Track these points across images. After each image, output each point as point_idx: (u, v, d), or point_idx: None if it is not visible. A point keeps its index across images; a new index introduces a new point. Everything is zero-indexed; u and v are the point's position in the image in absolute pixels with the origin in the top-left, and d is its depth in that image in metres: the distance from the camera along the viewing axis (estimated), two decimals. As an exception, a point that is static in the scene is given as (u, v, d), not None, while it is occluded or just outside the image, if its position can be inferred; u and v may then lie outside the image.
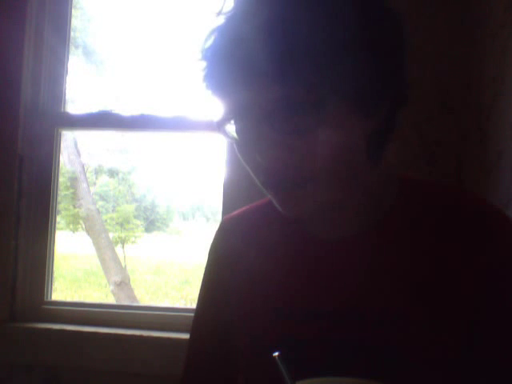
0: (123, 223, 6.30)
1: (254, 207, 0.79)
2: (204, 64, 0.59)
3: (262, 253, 0.72)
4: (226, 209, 1.38)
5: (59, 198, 1.89)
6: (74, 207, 5.43)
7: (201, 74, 0.60)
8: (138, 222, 6.81)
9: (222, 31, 0.57)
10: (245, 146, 0.61)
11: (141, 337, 1.33)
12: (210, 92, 0.61)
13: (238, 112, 0.59)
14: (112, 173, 6.92)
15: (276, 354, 0.55)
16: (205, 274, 0.81)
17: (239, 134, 0.61)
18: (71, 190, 5.24)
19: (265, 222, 0.75)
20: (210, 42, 0.58)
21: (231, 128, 0.62)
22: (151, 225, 8.43)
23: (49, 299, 1.48)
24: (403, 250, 0.65)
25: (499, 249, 0.62)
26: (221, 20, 0.58)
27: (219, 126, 0.63)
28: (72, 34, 1.62)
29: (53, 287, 1.51)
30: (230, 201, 1.38)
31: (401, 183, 0.69)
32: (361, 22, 0.56)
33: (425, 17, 1.27)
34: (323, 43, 0.54)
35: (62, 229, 5.81)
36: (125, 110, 1.51)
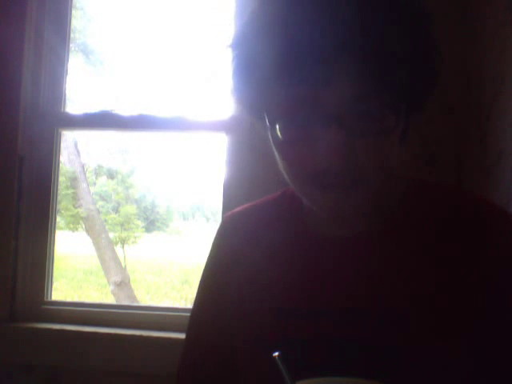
0: (123, 223, 6.30)
1: (257, 204, 0.79)
2: (247, 53, 0.56)
3: (264, 251, 0.72)
4: (225, 209, 1.38)
5: (59, 198, 1.89)
6: (74, 207, 5.43)
7: (240, 67, 0.57)
8: (138, 222, 6.81)
9: (269, 18, 0.54)
10: (301, 146, 0.58)
11: (141, 337, 1.33)
12: (252, 88, 0.58)
13: (299, 108, 0.56)
14: (112, 173, 6.91)
15: (276, 353, 0.55)
16: (205, 272, 0.81)
17: (294, 132, 0.58)
18: (71, 190, 5.24)
19: (267, 220, 0.75)
20: (252, 28, 0.55)
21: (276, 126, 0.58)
22: (151, 225, 8.42)
23: (49, 299, 1.48)
24: (405, 249, 0.65)
25: (500, 248, 0.62)
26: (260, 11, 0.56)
27: (272, 120, 0.58)
28: (72, 34, 1.62)
29: (53, 287, 1.51)
30: (229, 201, 1.38)
31: (403, 183, 0.69)
32: (427, 33, 0.58)
33: (425, 17, 1.27)
34: (405, 50, 0.53)
35: (61, 229, 5.81)
36: (125, 110, 1.51)
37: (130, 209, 6.66)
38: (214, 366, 0.80)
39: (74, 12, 1.58)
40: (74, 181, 5.14)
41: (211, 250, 0.81)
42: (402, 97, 0.55)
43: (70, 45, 1.56)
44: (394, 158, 0.61)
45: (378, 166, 0.58)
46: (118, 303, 4.07)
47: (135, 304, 3.73)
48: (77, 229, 5.95)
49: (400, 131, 0.60)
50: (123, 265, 5.50)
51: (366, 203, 0.61)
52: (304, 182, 0.61)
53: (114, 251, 5.35)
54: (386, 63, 0.52)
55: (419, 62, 0.55)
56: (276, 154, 0.62)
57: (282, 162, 0.62)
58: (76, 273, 6.92)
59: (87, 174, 5.83)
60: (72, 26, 1.55)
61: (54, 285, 1.53)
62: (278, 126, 0.58)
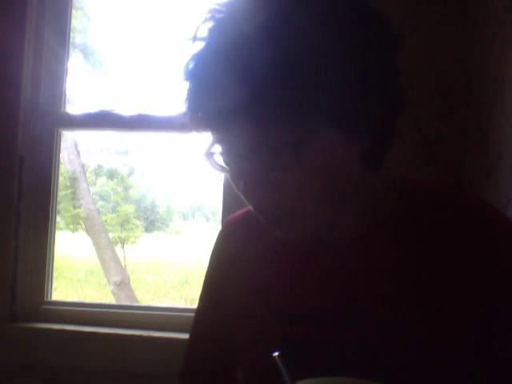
0: (123, 223, 6.30)
1: None
2: (187, 87, 0.58)
3: (264, 254, 0.72)
4: (225, 209, 1.38)
5: (59, 198, 1.89)
6: (74, 207, 5.43)
7: (184, 96, 0.59)
8: (138, 222, 6.82)
9: (197, 60, 0.56)
10: (232, 178, 0.62)
11: (141, 337, 1.33)
12: (192, 118, 0.60)
13: (221, 145, 0.59)
14: (112, 173, 6.92)
15: (276, 353, 0.55)
16: (207, 275, 0.81)
17: (226, 165, 0.62)
18: (71, 190, 5.24)
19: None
20: (189, 67, 0.57)
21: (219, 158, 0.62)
22: (151, 225, 8.43)
23: (49, 299, 1.48)
24: (404, 251, 0.65)
25: (499, 250, 0.62)
26: (197, 46, 0.57)
27: (207, 155, 0.62)
28: (72, 34, 1.62)
29: (53, 287, 1.51)
30: (229, 201, 1.37)
31: (401, 185, 0.69)
32: (345, 40, 0.53)
33: (425, 17, 1.27)
34: (302, 72, 0.51)
35: (62, 229, 5.81)
36: (125, 110, 1.51)
37: (129, 208, 6.67)
38: (217, 367, 0.80)
39: (73, 12, 1.58)
40: (73, 181, 5.14)
41: (213, 254, 0.81)
42: (306, 131, 0.54)
43: (70, 45, 1.56)
44: (345, 176, 0.59)
45: (310, 195, 0.58)
46: (118, 303, 4.07)
47: (135, 304, 3.74)
48: (77, 229, 5.96)
49: (348, 153, 0.58)
50: (123, 265, 5.51)
51: (322, 221, 0.62)
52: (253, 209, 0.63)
53: (113, 251, 5.35)
54: (283, 96, 0.51)
55: (323, 82, 0.52)
56: None
57: None
58: (76, 273, 6.93)
59: (87, 174, 5.83)
60: (72, 26, 1.55)
61: (54, 285, 1.53)
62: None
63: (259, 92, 0.51)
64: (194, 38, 0.57)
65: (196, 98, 0.57)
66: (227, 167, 0.62)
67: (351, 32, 0.54)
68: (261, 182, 0.57)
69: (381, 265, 0.65)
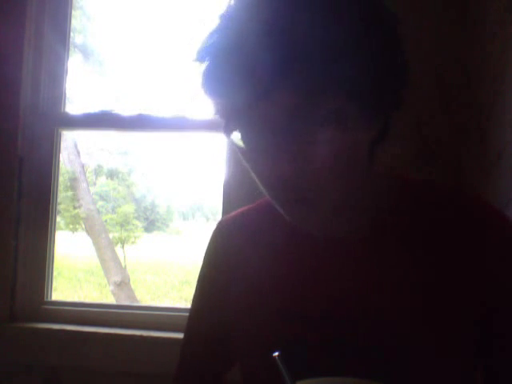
0: (123, 223, 6.30)
1: (252, 208, 0.79)
2: (207, 64, 0.56)
3: (261, 254, 0.72)
4: (225, 209, 1.38)
5: (59, 199, 1.89)
6: (74, 207, 5.43)
7: (202, 76, 0.57)
8: (138, 223, 6.82)
9: (224, 32, 0.55)
10: (253, 154, 0.59)
11: (141, 337, 1.33)
12: (212, 95, 0.58)
13: (245, 119, 0.57)
14: (112, 173, 6.92)
15: (276, 353, 0.55)
16: (201, 275, 0.81)
17: (247, 141, 0.59)
18: (71, 191, 5.24)
19: (263, 222, 0.74)
20: (213, 40, 0.56)
21: (237, 135, 0.59)
22: (151, 225, 8.43)
23: (49, 299, 1.48)
24: (403, 250, 0.65)
25: (498, 249, 0.62)
26: (222, 20, 0.57)
27: (226, 132, 0.60)
28: (72, 34, 1.62)
29: (53, 287, 1.51)
30: (229, 201, 1.37)
31: (400, 184, 0.69)
32: (364, 23, 0.54)
33: (425, 17, 1.27)
34: (335, 46, 0.52)
35: (62, 229, 5.81)
36: (125, 110, 1.51)
37: (129, 208, 6.66)
38: (211, 368, 0.80)
39: (73, 12, 1.58)
40: (73, 181, 5.14)
41: (207, 254, 0.80)
42: (345, 103, 0.54)
43: (70, 45, 1.56)
44: (360, 162, 0.60)
45: (333, 178, 0.57)
46: (118, 303, 4.07)
47: (135, 304, 3.73)
48: (77, 229, 5.96)
49: (366, 137, 0.59)
50: (123, 265, 5.50)
51: (336, 208, 0.61)
52: (269, 194, 0.61)
53: (113, 251, 5.35)
54: (321, 76, 0.52)
55: (353, 59, 0.53)
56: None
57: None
58: (76, 273, 6.93)
59: (87, 174, 5.83)
60: (72, 26, 1.55)
61: (54, 285, 1.53)
62: (239, 135, 0.59)
63: (299, 58, 0.51)
64: (221, 15, 0.57)
65: (223, 60, 0.54)
66: (248, 145, 0.59)
67: (380, 15, 0.57)
68: (290, 156, 0.55)
69: (381, 264, 0.65)
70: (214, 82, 0.56)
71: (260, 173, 0.60)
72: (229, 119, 0.58)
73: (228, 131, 0.59)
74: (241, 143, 0.59)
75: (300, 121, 0.54)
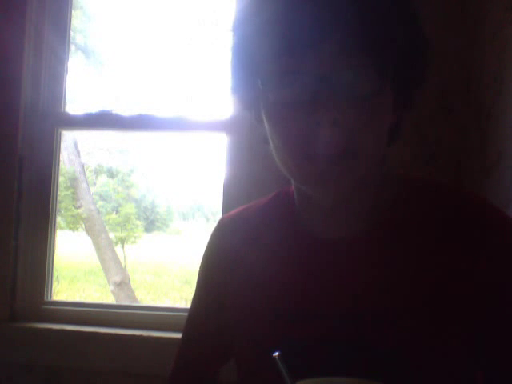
0: (123, 223, 6.30)
1: (252, 207, 0.79)
2: (256, 18, 0.57)
3: (261, 253, 0.72)
4: (225, 209, 1.38)
5: (59, 198, 1.89)
6: (74, 207, 5.43)
7: (247, 27, 0.59)
8: (138, 222, 6.81)
9: None
10: (290, 109, 0.58)
11: (141, 337, 1.33)
12: (259, 42, 0.58)
13: (291, 71, 0.56)
14: (112, 173, 6.92)
15: (276, 353, 0.55)
16: (201, 274, 0.81)
17: (284, 94, 0.57)
18: (71, 190, 5.24)
19: (263, 222, 0.74)
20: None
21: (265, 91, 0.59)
22: (151, 225, 8.43)
23: (49, 299, 1.48)
24: (404, 249, 0.64)
25: (499, 248, 0.62)
26: None
27: (260, 85, 0.59)
28: (72, 33, 1.62)
29: (53, 287, 1.51)
30: (229, 201, 1.38)
31: (401, 183, 0.69)
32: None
33: (425, 17, 1.27)
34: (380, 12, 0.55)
35: (62, 229, 5.81)
36: (125, 110, 1.51)
37: (129, 208, 6.66)
38: (208, 368, 0.81)
39: (73, 12, 1.58)
40: (73, 181, 5.14)
41: (207, 252, 0.80)
42: (390, 60, 0.57)
43: (70, 45, 1.56)
44: (384, 143, 0.61)
45: (369, 139, 0.57)
46: (118, 303, 4.07)
47: (135, 304, 3.73)
48: (77, 229, 5.95)
49: (390, 120, 0.61)
50: (123, 265, 5.50)
51: (356, 182, 0.60)
52: (297, 155, 0.59)
53: (114, 251, 5.35)
54: (373, 27, 0.54)
55: (407, 35, 0.58)
56: (268, 126, 0.61)
57: (274, 134, 0.61)
58: (76, 273, 6.92)
59: (87, 174, 5.83)
60: (72, 26, 1.55)
61: (54, 285, 1.53)
62: (270, 92, 0.59)
63: (354, 13, 0.53)
64: None
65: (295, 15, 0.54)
66: (283, 97, 0.58)
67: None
68: (336, 110, 0.55)
69: (381, 263, 0.65)
70: (268, 24, 0.56)
71: (292, 127, 0.58)
72: (270, 68, 0.58)
73: (261, 83, 0.59)
74: (271, 98, 0.58)
75: (343, 74, 0.55)
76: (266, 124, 0.62)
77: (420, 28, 0.61)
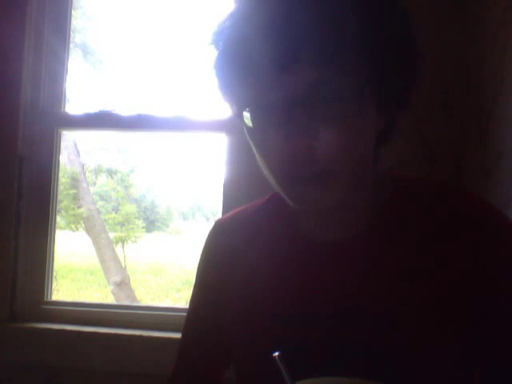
0: (123, 223, 6.30)
1: (249, 208, 0.78)
2: (225, 42, 0.57)
3: (259, 255, 0.72)
4: (225, 209, 1.38)
5: (59, 198, 1.89)
6: (75, 207, 5.43)
7: (219, 54, 0.58)
8: (139, 222, 6.81)
9: (245, 4, 0.56)
10: (264, 132, 0.58)
11: (141, 337, 1.33)
12: (229, 72, 0.58)
13: (263, 96, 0.56)
14: (112, 173, 6.92)
15: (276, 354, 0.55)
16: (198, 276, 0.81)
17: (261, 118, 0.58)
18: (71, 190, 5.24)
19: (261, 223, 0.74)
20: (230, 22, 0.57)
21: (246, 115, 0.59)
22: (151, 225, 8.42)
23: (49, 299, 1.48)
24: (402, 250, 0.64)
25: (499, 249, 0.62)
26: None
27: (238, 111, 0.60)
28: (72, 33, 1.62)
29: (53, 287, 1.51)
30: (229, 201, 1.38)
31: (398, 183, 0.69)
32: (381, 8, 0.57)
33: (425, 17, 1.27)
34: (368, 29, 0.54)
35: (62, 229, 5.81)
36: (124, 110, 1.51)
37: (130, 208, 6.66)
38: (208, 369, 0.80)
39: (73, 12, 1.58)
40: (74, 181, 5.14)
41: (204, 254, 0.80)
42: (365, 81, 0.55)
43: (70, 44, 1.56)
44: (368, 152, 0.61)
45: (348, 158, 0.57)
46: (118, 303, 4.07)
47: (135, 304, 3.73)
48: (77, 229, 5.95)
49: (376, 126, 0.60)
50: (123, 265, 5.50)
51: (341, 197, 0.60)
52: (278, 176, 0.60)
53: (114, 251, 5.35)
54: (345, 48, 0.53)
55: (387, 51, 0.56)
56: (252, 146, 0.62)
57: (256, 154, 0.62)
58: (76, 273, 6.92)
59: (87, 174, 5.83)
60: (72, 26, 1.55)
61: (54, 285, 1.53)
62: (248, 115, 0.59)
63: (321, 33, 0.52)
64: None
65: (246, 36, 0.55)
66: (259, 122, 0.58)
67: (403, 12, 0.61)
68: (308, 131, 0.55)
69: (378, 264, 0.64)
70: (237, 51, 0.57)
71: (270, 149, 0.58)
72: (244, 95, 0.58)
73: (239, 109, 0.59)
74: (250, 123, 0.59)
75: (317, 95, 0.54)
76: (250, 141, 0.63)
77: (404, 40, 0.59)
